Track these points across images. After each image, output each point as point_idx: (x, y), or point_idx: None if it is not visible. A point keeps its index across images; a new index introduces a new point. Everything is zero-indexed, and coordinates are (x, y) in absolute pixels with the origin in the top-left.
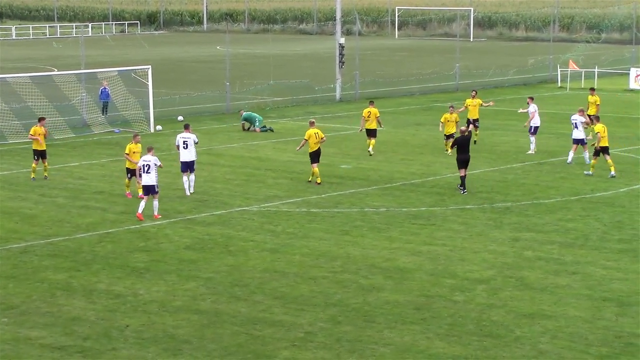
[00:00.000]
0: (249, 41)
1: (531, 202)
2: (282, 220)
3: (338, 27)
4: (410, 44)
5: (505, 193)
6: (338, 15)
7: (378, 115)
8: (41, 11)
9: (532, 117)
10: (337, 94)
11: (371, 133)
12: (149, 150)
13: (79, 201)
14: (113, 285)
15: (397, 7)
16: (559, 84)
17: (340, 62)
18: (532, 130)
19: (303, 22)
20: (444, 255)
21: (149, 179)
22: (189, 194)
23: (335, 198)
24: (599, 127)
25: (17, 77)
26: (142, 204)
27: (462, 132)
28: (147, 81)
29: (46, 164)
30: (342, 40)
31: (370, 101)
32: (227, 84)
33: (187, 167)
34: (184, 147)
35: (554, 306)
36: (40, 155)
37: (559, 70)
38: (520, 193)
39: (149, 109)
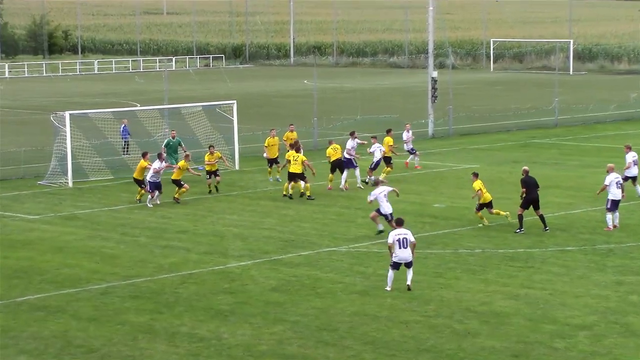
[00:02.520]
0: (337, 75)
1: (636, 244)
2: (373, 262)
3: (430, 60)
4: (506, 77)
5: (608, 234)
6: (430, 48)
7: (305, 159)
8: (124, 45)
9: (628, 167)
10: (430, 130)
11: (296, 177)
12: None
13: (161, 240)
14: (196, 328)
15: (492, 40)
16: None
17: (432, 96)
18: (625, 179)
19: (394, 55)
20: (543, 299)
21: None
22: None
23: (428, 238)
24: (477, 183)
25: (99, 112)
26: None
27: (525, 172)
28: (232, 116)
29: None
30: (435, 74)
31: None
32: (315, 119)
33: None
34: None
35: None
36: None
37: None
38: (624, 234)
39: (233, 145)
